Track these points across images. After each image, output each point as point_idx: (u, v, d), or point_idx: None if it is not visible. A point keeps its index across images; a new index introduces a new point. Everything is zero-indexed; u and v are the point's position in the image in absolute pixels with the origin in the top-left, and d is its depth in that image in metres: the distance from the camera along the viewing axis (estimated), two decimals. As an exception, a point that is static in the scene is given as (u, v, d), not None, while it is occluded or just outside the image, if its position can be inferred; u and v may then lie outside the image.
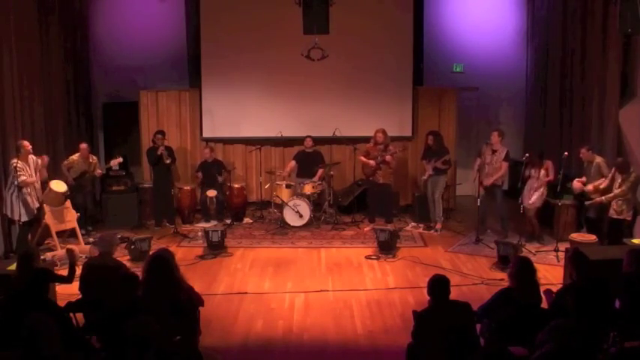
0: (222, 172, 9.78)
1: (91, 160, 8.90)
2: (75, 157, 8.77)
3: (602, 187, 7.52)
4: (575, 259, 4.70)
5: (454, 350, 3.71)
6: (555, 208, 8.30)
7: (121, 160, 8.98)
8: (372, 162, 9.14)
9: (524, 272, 4.34)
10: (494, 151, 8.49)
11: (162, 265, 4.52)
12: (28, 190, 7.58)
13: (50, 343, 3.29)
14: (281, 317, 5.93)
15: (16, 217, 7.54)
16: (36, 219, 7.83)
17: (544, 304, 4.56)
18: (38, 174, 7.75)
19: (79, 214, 8.31)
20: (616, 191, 7.33)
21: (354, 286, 6.81)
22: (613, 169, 7.46)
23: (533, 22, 10.97)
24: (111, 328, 3.85)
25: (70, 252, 5.38)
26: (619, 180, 7.33)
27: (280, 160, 10.58)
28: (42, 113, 8.73)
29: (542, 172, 8.07)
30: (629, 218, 7.38)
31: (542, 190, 8.11)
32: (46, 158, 7.96)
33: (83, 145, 8.86)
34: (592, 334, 3.87)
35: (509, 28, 11.28)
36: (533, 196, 8.10)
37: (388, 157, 9.08)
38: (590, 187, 7.66)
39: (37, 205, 7.73)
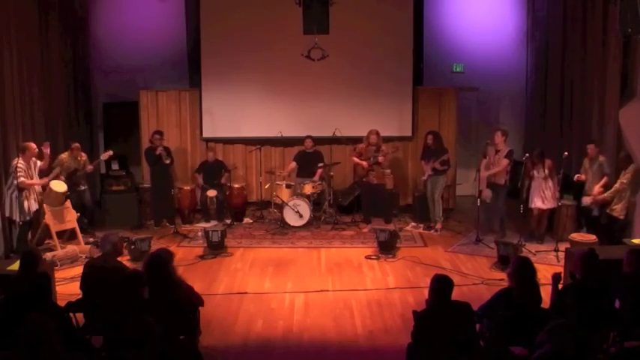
0: (223, 172, 9.78)
1: (79, 159, 8.74)
2: (64, 155, 8.63)
3: (606, 185, 7.54)
4: (588, 259, 4.60)
5: (454, 350, 3.71)
6: (555, 208, 8.30)
7: (110, 153, 8.89)
8: (364, 163, 9.17)
9: (523, 272, 4.33)
10: (497, 151, 8.48)
11: (160, 266, 4.51)
12: (28, 191, 7.59)
13: (50, 343, 3.28)
14: (281, 317, 5.93)
15: (13, 217, 7.54)
16: (34, 219, 7.84)
17: (544, 303, 4.55)
18: (37, 177, 7.76)
19: (79, 213, 8.32)
20: (615, 186, 7.35)
21: (354, 286, 6.81)
22: (622, 172, 7.47)
23: (533, 22, 10.97)
24: (111, 328, 3.85)
25: None
26: (621, 175, 7.38)
27: (280, 160, 10.59)
28: (42, 113, 8.73)
29: (546, 170, 8.07)
30: (621, 217, 7.39)
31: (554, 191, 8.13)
32: (46, 149, 7.94)
33: (76, 145, 8.75)
34: (592, 334, 3.87)
35: (509, 28, 11.28)
36: (553, 200, 8.11)
37: (381, 158, 9.09)
38: (595, 190, 7.66)
39: (35, 207, 7.72)
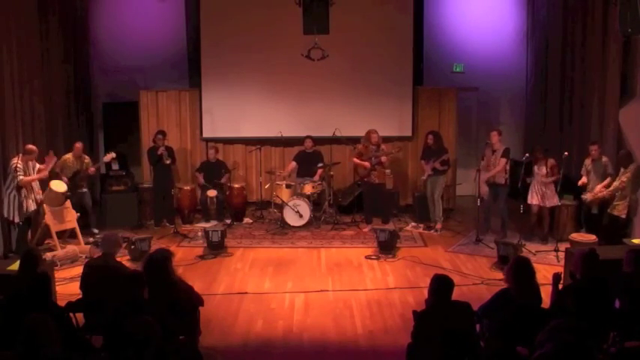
0: (223, 172, 9.77)
1: (83, 160, 8.81)
2: (67, 156, 8.71)
3: (608, 185, 7.56)
4: (588, 259, 4.60)
5: (454, 350, 3.71)
6: (555, 208, 8.30)
7: (113, 155, 8.89)
8: (366, 164, 9.16)
9: (519, 272, 4.31)
10: (494, 151, 8.49)
11: (159, 266, 4.51)
12: (26, 191, 7.59)
13: (50, 343, 3.28)
14: (281, 317, 5.93)
15: (10, 218, 7.54)
16: (34, 219, 7.84)
17: (544, 303, 4.55)
18: (36, 175, 7.76)
19: (79, 213, 8.32)
20: (615, 184, 7.37)
21: (354, 286, 6.81)
22: (621, 169, 7.49)
23: (533, 22, 10.97)
24: (111, 328, 3.85)
25: None
26: (621, 174, 7.39)
27: (280, 160, 10.59)
28: (42, 113, 8.73)
29: (548, 169, 8.06)
30: (623, 216, 7.40)
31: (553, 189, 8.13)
32: (50, 160, 7.93)
33: (78, 145, 8.79)
34: (592, 334, 3.87)
35: (509, 28, 11.28)
36: (555, 198, 8.12)
37: (384, 158, 9.09)
38: (597, 189, 7.68)
39: (33, 207, 7.72)
